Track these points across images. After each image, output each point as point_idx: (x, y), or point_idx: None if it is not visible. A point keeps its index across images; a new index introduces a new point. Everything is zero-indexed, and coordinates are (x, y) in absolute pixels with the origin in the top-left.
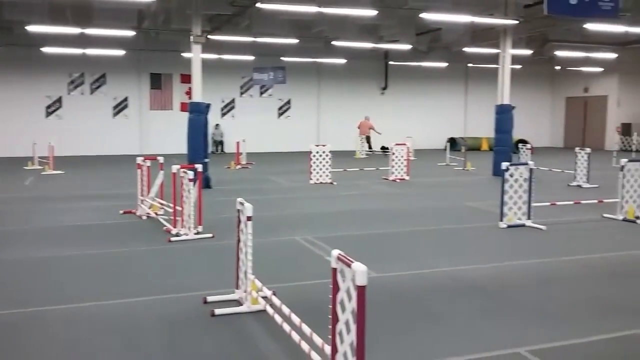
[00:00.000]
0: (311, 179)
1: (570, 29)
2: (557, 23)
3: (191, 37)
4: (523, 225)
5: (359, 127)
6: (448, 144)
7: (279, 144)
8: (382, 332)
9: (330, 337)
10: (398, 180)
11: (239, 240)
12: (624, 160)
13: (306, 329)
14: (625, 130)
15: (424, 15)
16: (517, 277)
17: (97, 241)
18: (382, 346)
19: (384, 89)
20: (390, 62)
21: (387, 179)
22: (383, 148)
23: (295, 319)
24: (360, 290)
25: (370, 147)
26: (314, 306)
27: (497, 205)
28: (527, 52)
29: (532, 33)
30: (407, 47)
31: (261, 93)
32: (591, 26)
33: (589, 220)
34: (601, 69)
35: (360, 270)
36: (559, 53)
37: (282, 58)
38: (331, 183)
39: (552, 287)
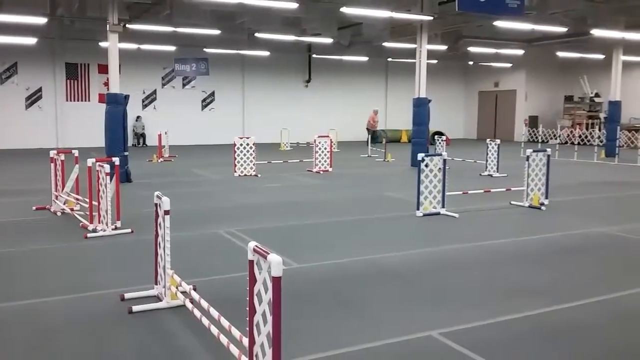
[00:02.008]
0: (235, 172)
1: (482, 25)
2: (470, 20)
3: (107, 26)
4: (438, 214)
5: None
6: (369, 136)
7: (203, 137)
8: (300, 322)
9: (248, 329)
10: (321, 172)
11: (157, 235)
12: (529, 151)
13: (225, 322)
14: (532, 122)
15: (344, 10)
16: (431, 263)
17: (8, 239)
18: (300, 335)
19: (308, 81)
20: (314, 55)
21: (311, 171)
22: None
23: (214, 312)
24: (276, 281)
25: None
26: (234, 299)
27: (414, 194)
28: (443, 47)
29: (447, 29)
30: (329, 40)
31: (184, 85)
32: (501, 23)
33: (498, 208)
34: (510, 65)
35: (275, 262)
36: (472, 49)
37: (204, 49)
38: (255, 175)
39: (463, 271)
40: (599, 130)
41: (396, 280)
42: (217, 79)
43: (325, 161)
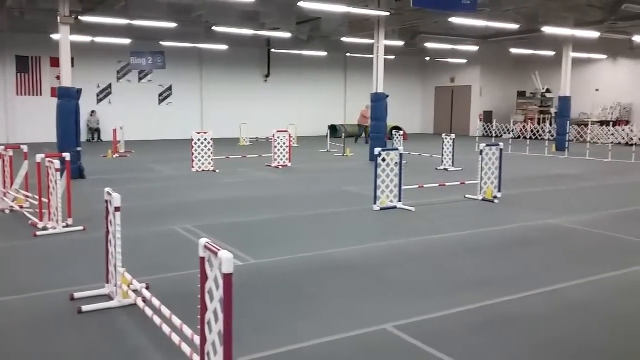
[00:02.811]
0: (193, 167)
1: (438, 22)
2: (426, 16)
3: (58, 18)
4: (395, 208)
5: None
6: (329, 131)
7: (161, 132)
8: (256, 318)
9: (199, 327)
10: (280, 167)
11: (107, 233)
12: (482, 145)
13: (177, 320)
14: (487, 117)
15: (302, 4)
16: (387, 256)
17: None
18: (256, 332)
19: (267, 76)
20: (273, 50)
21: (269, 166)
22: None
23: (166, 311)
24: (227, 278)
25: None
26: (188, 297)
27: (372, 189)
28: (400, 43)
29: (404, 25)
30: (288, 35)
31: (140, 79)
32: (456, 20)
33: (453, 201)
34: (466, 61)
35: (226, 258)
36: (429, 45)
37: (161, 42)
38: (214, 171)
39: (418, 264)
40: (550, 125)
41: (353, 274)
42: (174, 73)
43: (284, 156)
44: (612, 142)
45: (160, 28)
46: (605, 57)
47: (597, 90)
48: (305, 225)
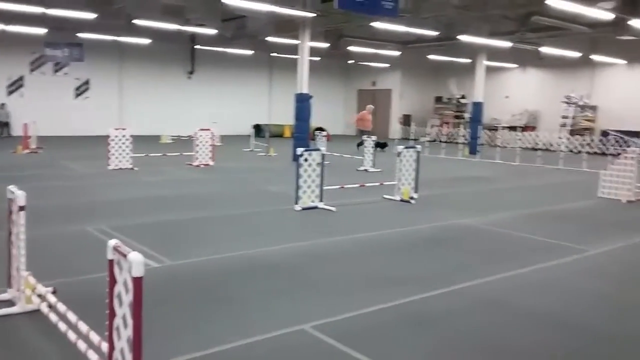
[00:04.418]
0: (110, 165)
1: (362, 26)
2: (350, 20)
3: None
4: (316, 207)
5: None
6: (253, 131)
7: (76, 127)
8: (172, 322)
9: (107, 333)
10: (202, 166)
11: (10, 234)
12: (400, 147)
13: (83, 326)
14: (406, 120)
15: (226, 1)
16: (307, 256)
17: None
18: (167, 337)
19: (191, 73)
20: (197, 47)
21: (191, 165)
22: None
23: (72, 317)
24: (137, 281)
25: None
26: (96, 302)
27: (294, 188)
28: (324, 45)
29: (329, 27)
30: (213, 32)
31: (55, 71)
32: (379, 25)
33: (372, 201)
34: (387, 65)
35: (136, 261)
36: (352, 48)
37: (78, 34)
38: (132, 169)
39: (337, 263)
40: (464, 129)
41: (272, 275)
42: (92, 66)
43: (206, 155)
44: (520, 147)
45: (79, 19)
46: (515, 66)
47: (507, 97)
48: (226, 225)
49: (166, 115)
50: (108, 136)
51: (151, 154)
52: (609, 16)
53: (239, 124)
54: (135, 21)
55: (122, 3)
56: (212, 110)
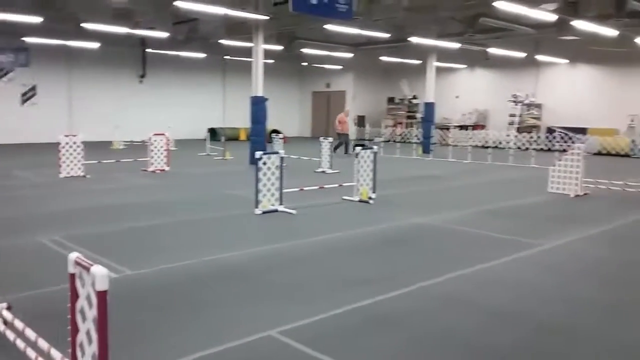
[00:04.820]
0: (61, 173)
1: (314, 28)
2: (303, 22)
3: None
4: (276, 211)
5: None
6: (208, 134)
7: (24, 135)
8: (135, 333)
9: (70, 350)
10: (158, 172)
11: None
12: (358, 148)
13: (43, 343)
14: (360, 121)
15: (178, 4)
16: (270, 260)
17: None
18: (132, 350)
19: (142, 77)
20: (148, 50)
21: (146, 171)
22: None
23: (31, 333)
24: (101, 295)
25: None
26: (56, 317)
27: (253, 192)
28: (278, 47)
29: (282, 30)
30: (164, 35)
31: (0, 77)
32: (331, 27)
33: (332, 203)
34: (340, 67)
35: (100, 275)
36: (305, 50)
37: (24, 38)
38: (84, 176)
39: (300, 267)
40: (417, 129)
41: (236, 280)
42: (39, 71)
43: (161, 160)
44: (470, 145)
45: (24, 22)
46: (464, 66)
47: (457, 97)
48: (186, 231)
49: (118, 120)
50: (58, 143)
51: (104, 161)
52: (552, 17)
53: (193, 128)
54: (84, 25)
55: (69, 6)
56: (166, 114)
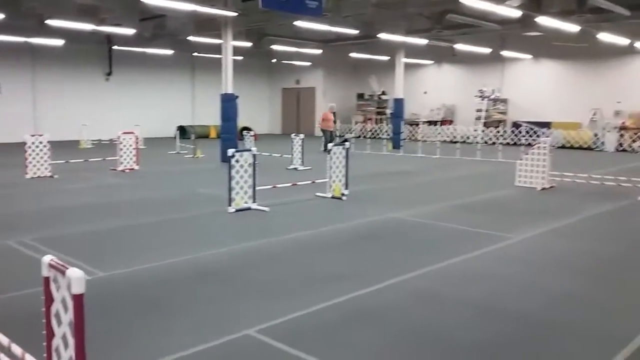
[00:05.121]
0: (27, 173)
1: (284, 24)
2: (272, 18)
3: None
4: (249, 209)
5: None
6: (178, 132)
7: None
8: (113, 335)
9: (45, 355)
10: (127, 171)
11: None
12: (330, 145)
13: (17, 349)
14: None
15: (145, 0)
16: (245, 259)
17: None
18: (113, 350)
19: (109, 74)
20: (115, 47)
21: (115, 170)
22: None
23: (4, 339)
24: (77, 299)
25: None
26: (29, 321)
27: (225, 190)
28: (247, 44)
29: (251, 26)
30: (130, 31)
31: None
32: (300, 23)
33: (305, 200)
34: (310, 63)
35: (76, 277)
36: (275, 47)
37: None
38: (52, 177)
39: (276, 264)
40: (387, 125)
41: (212, 280)
42: (1, 70)
43: (131, 159)
44: (439, 140)
45: None
46: (432, 62)
47: (425, 92)
48: (158, 231)
49: (85, 119)
50: (24, 143)
51: (72, 160)
52: (517, 13)
53: (162, 126)
54: (48, 21)
55: (32, 2)
56: (134, 112)
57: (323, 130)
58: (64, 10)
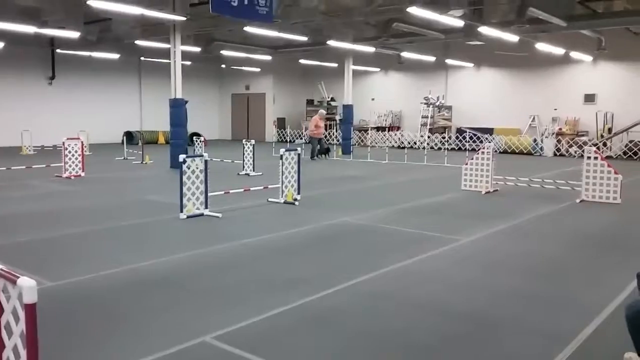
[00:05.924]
0: None
1: (233, 30)
2: (221, 24)
3: None
4: (202, 215)
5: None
6: (125, 138)
7: None
8: (59, 349)
9: None
10: (73, 177)
11: None
12: (282, 150)
13: None
14: (281, 123)
15: (91, 3)
16: (198, 265)
17: None
18: None
19: (52, 79)
20: (58, 50)
21: (60, 176)
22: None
23: None
24: (30, 308)
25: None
26: None
27: (176, 197)
28: (196, 49)
29: (200, 31)
30: (75, 35)
31: None
32: (250, 29)
33: (258, 205)
34: (259, 69)
35: (28, 286)
36: (224, 52)
37: None
38: None
39: (231, 270)
40: (336, 130)
41: (164, 288)
42: None
43: (76, 165)
44: (387, 146)
45: None
46: (379, 69)
47: (372, 99)
48: (107, 239)
49: (26, 125)
50: None
51: (13, 167)
52: (460, 23)
53: (108, 132)
54: None
55: None
56: (79, 117)
57: (311, 138)
58: (4, 11)
